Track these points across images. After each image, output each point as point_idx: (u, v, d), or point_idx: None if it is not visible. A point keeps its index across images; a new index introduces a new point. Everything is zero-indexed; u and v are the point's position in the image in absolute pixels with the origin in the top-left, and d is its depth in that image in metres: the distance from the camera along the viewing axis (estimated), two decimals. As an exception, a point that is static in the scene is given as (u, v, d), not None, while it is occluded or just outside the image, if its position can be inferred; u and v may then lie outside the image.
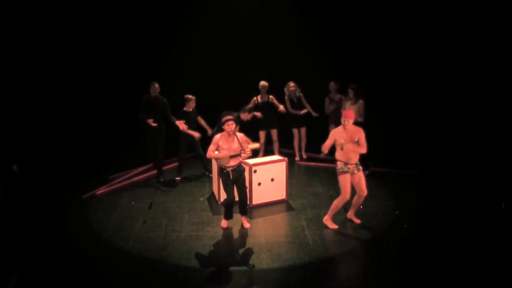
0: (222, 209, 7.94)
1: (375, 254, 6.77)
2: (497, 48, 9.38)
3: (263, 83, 9.93)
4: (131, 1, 10.54)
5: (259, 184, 8.25)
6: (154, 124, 8.94)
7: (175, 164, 9.84)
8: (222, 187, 7.54)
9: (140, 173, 9.83)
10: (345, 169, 7.19)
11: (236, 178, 7.26)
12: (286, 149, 10.58)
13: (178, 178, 9.50)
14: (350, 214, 7.67)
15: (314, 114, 10.25)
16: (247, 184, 8.20)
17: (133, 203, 8.50)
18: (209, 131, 9.22)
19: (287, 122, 10.32)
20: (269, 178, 8.33)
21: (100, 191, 8.93)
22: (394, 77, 10.50)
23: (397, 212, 7.99)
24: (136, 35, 10.61)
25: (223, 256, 6.75)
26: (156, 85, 9.07)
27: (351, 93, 9.64)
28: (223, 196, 8.32)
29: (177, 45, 10.95)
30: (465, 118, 9.91)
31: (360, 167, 7.31)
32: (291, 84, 10.18)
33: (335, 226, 7.47)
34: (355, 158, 7.19)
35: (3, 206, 7.85)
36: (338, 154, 7.21)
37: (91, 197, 8.73)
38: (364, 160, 9.55)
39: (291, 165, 9.75)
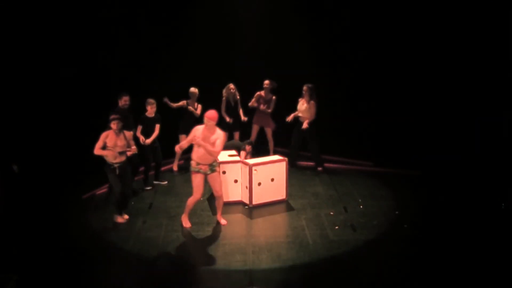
0: (223, 209, 7.95)
1: (375, 254, 6.76)
2: (497, 48, 9.39)
3: (193, 89, 9.69)
4: (131, 1, 10.54)
5: (259, 184, 8.25)
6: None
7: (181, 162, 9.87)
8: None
9: (140, 173, 9.82)
10: (197, 169, 7.23)
11: (121, 174, 7.46)
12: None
13: (148, 188, 9.12)
14: (218, 216, 7.66)
15: (243, 118, 10.07)
16: (247, 184, 8.21)
17: (133, 203, 8.49)
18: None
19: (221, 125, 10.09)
20: (269, 178, 8.32)
21: (100, 191, 8.93)
22: (394, 77, 10.50)
23: (397, 212, 7.99)
24: (136, 34, 10.60)
25: (223, 256, 6.75)
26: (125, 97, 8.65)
27: (306, 92, 9.54)
28: (223, 196, 8.32)
29: (176, 45, 10.94)
30: (465, 118, 9.91)
31: (216, 169, 7.31)
32: (231, 86, 9.91)
33: (189, 225, 7.51)
34: (209, 159, 7.19)
35: (3, 206, 7.85)
36: (194, 153, 7.25)
37: (91, 197, 8.72)
38: (317, 157, 9.75)
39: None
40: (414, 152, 10.09)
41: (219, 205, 7.59)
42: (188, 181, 9.42)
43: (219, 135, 7.16)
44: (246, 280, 6.16)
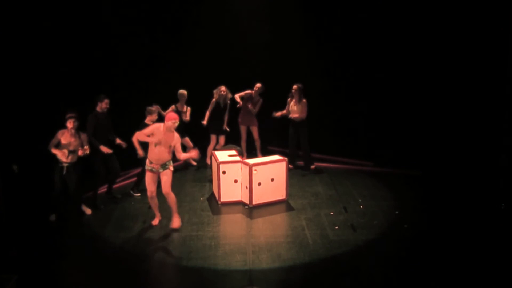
0: (223, 209, 7.97)
1: (375, 254, 6.76)
2: (497, 48, 9.37)
3: (181, 91, 9.70)
4: (132, 1, 10.53)
5: (259, 184, 8.25)
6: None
7: (180, 162, 9.83)
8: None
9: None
10: (149, 168, 7.32)
11: (66, 174, 7.63)
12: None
13: (138, 194, 8.83)
14: (173, 216, 7.50)
15: (225, 127, 10.05)
16: (247, 184, 8.21)
17: (133, 203, 8.50)
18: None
19: (207, 127, 9.99)
20: (269, 178, 8.32)
21: (100, 191, 8.92)
22: (394, 77, 10.49)
23: (397, 212, 8.00)
24: (136, 35, 10.60)
25: (223, 256, 6.75)
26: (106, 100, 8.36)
27: (296, 92, 9.53)
28: (223, 196, 8.35)
29: (176, 45, 10.94)
30: (465, 118, 9.90)
31: (170, 167, 7.36)
32: (223, 88, 9.86)
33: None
34: (161, 160, 7.27)
35: (3, 206, 7.85)
36: (150, 151, 7.31)
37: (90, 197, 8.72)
38: (309, 156, 9.79)
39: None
40: (414, 152, 10.09)
41: (169, 204, 7.46)
42: (190, 181, 9.50)
43: (177, 139, 7.30)
44: (246, 280, 6.17)
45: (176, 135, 7.32)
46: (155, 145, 7.20)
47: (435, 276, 6.18)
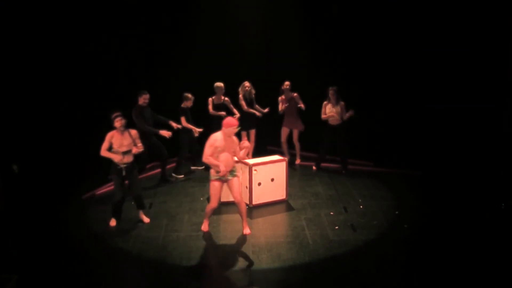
0: (223, 209, 7.97)
1: (375, 254, 6.76)
2: (498, 48, 9.38)
3: (218, 84, 9.71)
4: (133, 1, 10.55)
5: (259, 184, 8.25)
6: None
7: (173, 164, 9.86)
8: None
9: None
10: (216, 177, 7.04)
11: (127, 175, 7.39)
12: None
13: (181, 176, 9.65)
14: (243, 223, 7.32)
15: (266, 110, 9.99)
16: (247, 184, 8.21)
17: (133, 203, 8.49)
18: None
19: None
20: (269, 178, 8.33)
21: (100, 191, 8.93)
22: (394, 77, 10.49)
23: (397, 212, 8.00)
24: (137, 35, 10.60)
25: (223, 256, 6.75)
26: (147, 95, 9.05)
27: (332, 95, 9.45)
28: (223, 196, 8.31)
29: (176, 45, 10.94)
30: (465, 118, 9.91)
31: (237, 174, 7.18)
32: (247, 83, 9.88)
33: (206, 229, 7.41)
34: (230, 166, 7.06)
35: (3, 206, 7.86)
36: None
37: (91, 197, 8.73)
38: (344, 159, 9.73)
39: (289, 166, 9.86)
40: (414, 152, 10.09)
41: (240, 212, 7.23)
42: (189, 181, 9.50)
43: (236, 141, 7.10)
44: (246, 280, 6.17)
45: (235, 138, 7.11)
46: (217, 155, 6.94)
47: (435, 276, 6.18)
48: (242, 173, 8.32)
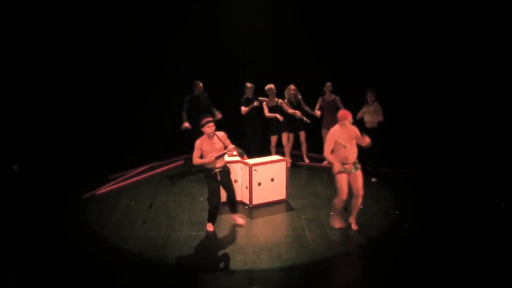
0: (223, 209, 7.96)
1: (375, 254, 6.76)
2: (498, 48, 9.38)
3: (269, 86, 9.79)
4: (134, 1, 10.56)
5: (259, 184, 8.25)
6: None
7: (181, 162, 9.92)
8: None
9: (140, 173, 9.84)
10: (342, 169, 7.13)
11: (222, 179, 7.26)
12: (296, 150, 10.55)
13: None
14: (351, 218, 7.50)
15: (316, 112, 10.00)
16: (247, 184, 8.21)
17: (133, 203, 8.50)
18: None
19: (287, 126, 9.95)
20: (269, 178, 8.33)
21: (100, 191, 8.93)
22: (394, 77, 10.49)
23: (397, 212, 7.99)
24: (136, 35, 10.61)
25: (223, 256, 6.75)
26: (200, 84, 9.53)
27: (371, 97, 9.17)
28: (223, 196, 8.33)
29: (177, 45, 10.95)
30: (466, 118, 9.91)
31: (358, 166, 7.23)
32: (292, 87, 9.93)
33: (338, 225, 7.42)
34: (353, 158, 7.14)
35: (3, 206, 7.85)
36: (337, 155, 7.13)
37: (91, 197, 8.73)
38: (376, 165, 9.45)
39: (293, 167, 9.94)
40: (414, 152, 10.08)
41: (356, 205, 7.32)
42: (190, 181, 9.50)
43: (355, 128, 7.13)
44: (246, 280, 6.16)
45: (354, 126, 7.14)
46: (344, 147, 7.00)
47: (435, 276, 6.17)
48: (242, 173, 8.34)
